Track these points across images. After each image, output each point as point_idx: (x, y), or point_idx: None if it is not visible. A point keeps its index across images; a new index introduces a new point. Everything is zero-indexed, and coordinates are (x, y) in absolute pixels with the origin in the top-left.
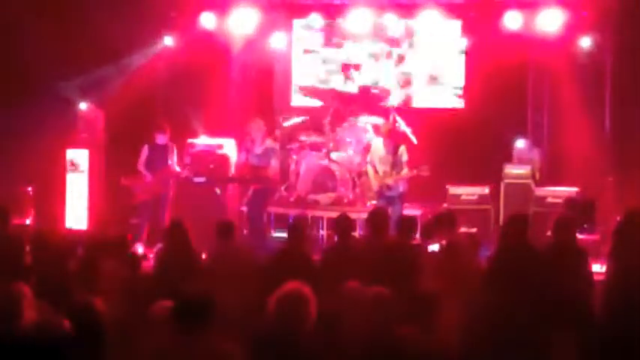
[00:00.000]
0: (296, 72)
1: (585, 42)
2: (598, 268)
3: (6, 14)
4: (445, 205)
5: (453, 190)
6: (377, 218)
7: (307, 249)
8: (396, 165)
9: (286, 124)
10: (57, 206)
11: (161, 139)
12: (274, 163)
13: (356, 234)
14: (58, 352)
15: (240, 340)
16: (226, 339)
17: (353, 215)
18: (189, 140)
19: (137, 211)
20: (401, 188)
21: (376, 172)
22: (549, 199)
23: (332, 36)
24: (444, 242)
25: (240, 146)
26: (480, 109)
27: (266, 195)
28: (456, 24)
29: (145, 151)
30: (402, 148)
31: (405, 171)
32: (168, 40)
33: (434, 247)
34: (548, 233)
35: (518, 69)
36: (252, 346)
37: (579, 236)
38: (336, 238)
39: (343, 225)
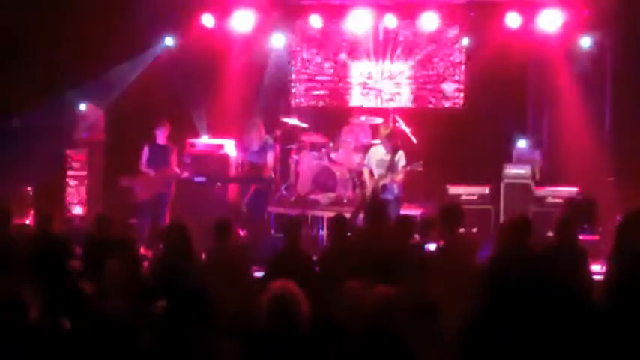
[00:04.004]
0: (296, 72)
1: (585, 42)
2: (598, 268)
3: (6, 15)
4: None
5: (453, 190)
6: (374, 206)
7: (305, 249)
8: (392, 168)
9: (287, 120)
10: (57, 206)
11: (161, 137)
12: (270, 157)
13: None
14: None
15: (238, 338)
16: (224, 337)
17: None
18: (190, 140)
19: (137, 211)
20: (396, 191)
21: (372, 175)
22: (549, 199)
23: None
24: (441, 242)
25: (238, 146)
26: (480, 108)
27: (266, 195)
28: (456, 24)
29: (146, 151)
30: (400, 153)
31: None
32: (169, 41)
33: (431, 247)
34: (549, 233)
35: (519, 69)
36: (250, 345)
37: (579, 236)
38: (332, 239)
39: (339, 225)
